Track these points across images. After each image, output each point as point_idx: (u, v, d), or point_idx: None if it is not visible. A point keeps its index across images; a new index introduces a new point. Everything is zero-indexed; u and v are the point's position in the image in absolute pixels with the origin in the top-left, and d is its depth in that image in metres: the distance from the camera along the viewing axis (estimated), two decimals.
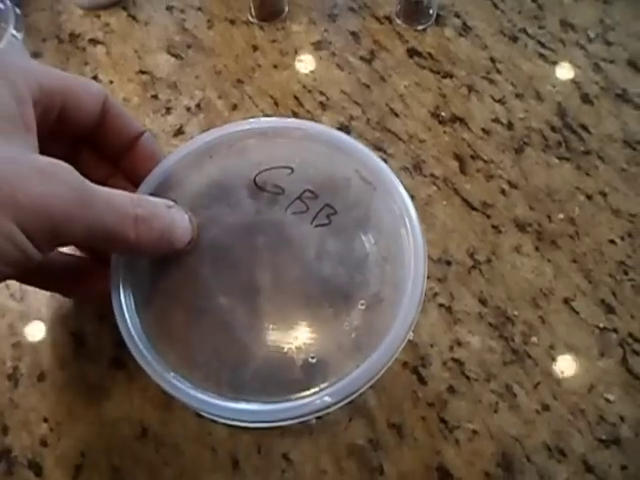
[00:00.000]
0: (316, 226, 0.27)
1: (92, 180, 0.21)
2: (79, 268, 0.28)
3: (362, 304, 0.25)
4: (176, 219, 0.25)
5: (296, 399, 0.23)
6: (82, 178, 0.21)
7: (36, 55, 0.38)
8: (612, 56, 0.36)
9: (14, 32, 0.35)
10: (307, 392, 0.24)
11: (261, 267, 0.26)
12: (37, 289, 0.31)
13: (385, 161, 0.33)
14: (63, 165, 0.20)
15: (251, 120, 0.30)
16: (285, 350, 0.25)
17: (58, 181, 0.20)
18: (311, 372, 0.24)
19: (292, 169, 0.27)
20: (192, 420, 0.28)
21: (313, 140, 0.28)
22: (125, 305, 0.26)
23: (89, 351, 0.30)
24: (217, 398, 0.24)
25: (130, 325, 0.25)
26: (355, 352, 0.24)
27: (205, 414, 0.24)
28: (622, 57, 0.36)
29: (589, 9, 0.38)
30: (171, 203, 0.26)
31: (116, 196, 0.22)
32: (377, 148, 0.34)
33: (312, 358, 0.25)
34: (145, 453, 0.28)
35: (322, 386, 0.24)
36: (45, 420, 0.29)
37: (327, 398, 0.23)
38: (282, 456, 0.28)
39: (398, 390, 0.29)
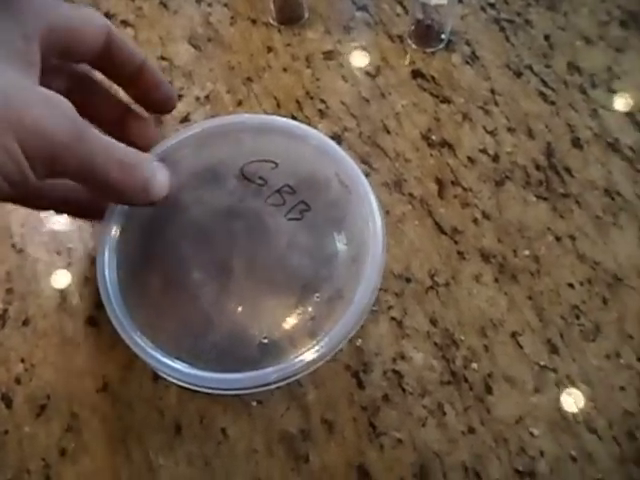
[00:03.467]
0: (289, 219, 0.29)
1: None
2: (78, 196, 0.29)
3: (318, 297, 0.28)
4: (157, 173, 0.26)
5: (250, 371, 0.26)
6: (78, 115, 0.22)
7: None
8: (612, 105, 0.37)
9: None
10: (258, 370, 0.26)
11: (236, 250, 0.29)
12: (36, 245, 0.35)
13: (367, 175, 0.35)
14: (63, 99, 0.22)
15: (247, 115, 0.32)
16: (245, 329, 0.27)
17: (61, 111, 0.22)
18: (265, 352, 0.27)
19: (276, 164, 0.30)
20: (148, 383, 0.31)
21: (300, 140, 0.30)
22: (107, 265, 0.28)
23: (70, 307, 0.33)
24: (173, 361, 0.26)
25: (108, 283, 0.28)
26: (309, 339, 0.27)
27: (158, 372, 0.27)
28: (622, 107, 0.37)
29: (600, 55, 0.38)
30: (154, 158, 0.28)
31: (106, 140, 0.24)
32: (363, 161, 0.36)
33: (265, 339, 0.27)
34: (102, 405, 0.31)
35: (274, 365, 0.26)
36: (22, 361, 0.32)
37: (273, 375, 0.25)
38: (221, 430, 0.30)
39: (336, 389, 0.31)
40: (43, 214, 0.36)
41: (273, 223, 0.29)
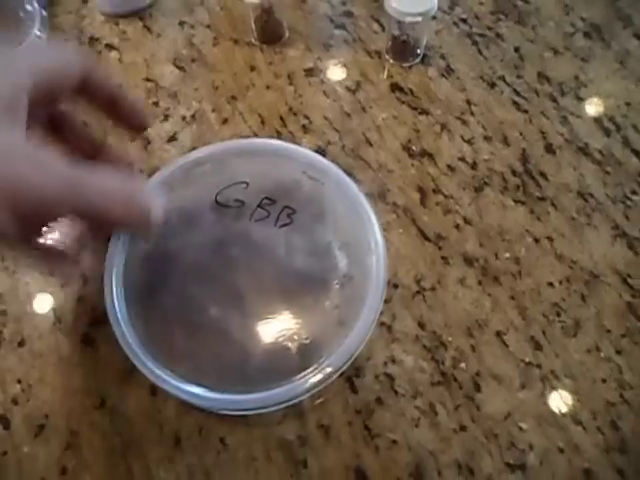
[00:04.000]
0: (280, 227, 0.30)
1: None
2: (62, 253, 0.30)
3: (337, 283, 0.29)
4: (154, 202, 0.27)
5: (298, 379, 0.27)
6: (70, 164, 0.23)
7: None
8: (580, 111, 0.39)
9: (38, 32, 0.39)
10: (307, 371, 0.27)
11: (240, 274, 0.30)
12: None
13: None
14: (51, 152, 0.23)
15: (200, 149, 0.32)
16: (279, 341, 0.28)
17: (49, 170, 0.23)
18: (306, 353, 0.28)
19: (247, 183, 0.31)
20: (145, 397, 0.32)
21: (260, 154, 0.32)
22: (128, 336, 0.28)
23: (65, 327, 0.34)
24: (233, 394, 0.27)
25: (139, 352, 0.27)
26: (339, 327, 0.28)
27: (228, 412, 0.28)
28: (589, 113, 0.39)
29: (567, 65, 0.40)
30: (148, 189, 0.29)
31: (103, 181, 0.25)
32: (347, 174, 0.36)
33: (306, 339, 0.28)
34: (101, 422, 0.31)
35: (320, 362, 0.27)
36: (19, 381, 0.32)
37: (328, 369, 0.27)
38: (219, 440, 0.31)
39: (331, 395, 0.31)
40: None
41: (265, 236, 0.30)
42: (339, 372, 0.27)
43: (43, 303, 0.34)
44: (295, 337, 0.28)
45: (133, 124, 0.31)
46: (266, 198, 0.31)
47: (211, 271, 0.30)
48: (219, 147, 0.32)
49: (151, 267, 0.29)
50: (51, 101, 0.27)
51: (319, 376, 0.26)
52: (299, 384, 0.27)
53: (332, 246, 0.30)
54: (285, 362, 0.28)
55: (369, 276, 0.28)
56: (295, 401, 0.27)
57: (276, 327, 0.28)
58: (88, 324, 0.34)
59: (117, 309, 0.28)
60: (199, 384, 0.27)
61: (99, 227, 0.28)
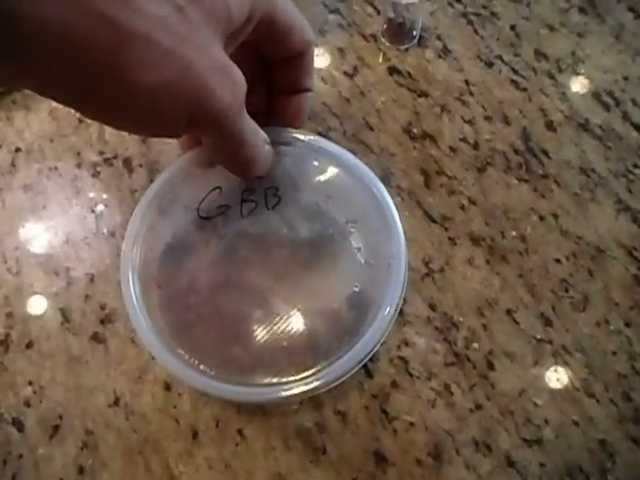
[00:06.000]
0: (273, 208, 0.30)
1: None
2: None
3: (351, 228, 0.29)
4: (267, 155, 0.29)
5: (367, 327, 0.27)
6: (243, 90, 0.24)
7: None
8: (579, 87, 0.39)
9: None
10: (369, 317, 0.27)
11: (259, 270, 0.29)
12: (33, 267, 0.35)
13: None
14: (238, 72, 0.24)
15: (149, 189, 0.31)
16: (328, 309, 0.28)
17: (229, 83, 0.23)
18: (358, 305, 0.28)
19: (220, 187, 0.30)
20: (160, 393, 0.32)
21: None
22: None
23: (73, 326, 0.33)
24: (311, 379, 0.27)
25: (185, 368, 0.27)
26: (369, 267, 0.29)
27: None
28: (588, 89, 0.39)
29: (563, 41, 0.40)
30: (268, 140, 0.29)
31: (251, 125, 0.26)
32: None
33: (356, 287, 0.28)
34: (116, 420, 0.31)
35: (379, 303, 0.27)
36: (30, 383, 0.32)
37: (388, 309, 0.27)
38: (237, 431, 0.31)
39: (346, 381, 0.31)
40: (36, 234, 0.36)
41: (263, 224, 0.30)
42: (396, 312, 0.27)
43: (49, 303, 0.34)
44: (340, 299, 0.28)
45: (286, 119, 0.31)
46: (246, 191, 0.30)
47: (232, 282, 0.29)
48: (170, 171, 0.31)
49: (172, 309, 0.29)
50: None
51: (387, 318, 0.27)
52: (373, 330, 0.27)
53: (320, 205, 0.30)
54: (341, 325, 0.28)
55: (373, 209, 0.29)
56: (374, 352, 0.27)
57: (318, 299, 0.28)
58: (97, 322, 0.33)
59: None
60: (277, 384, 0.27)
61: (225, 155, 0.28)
